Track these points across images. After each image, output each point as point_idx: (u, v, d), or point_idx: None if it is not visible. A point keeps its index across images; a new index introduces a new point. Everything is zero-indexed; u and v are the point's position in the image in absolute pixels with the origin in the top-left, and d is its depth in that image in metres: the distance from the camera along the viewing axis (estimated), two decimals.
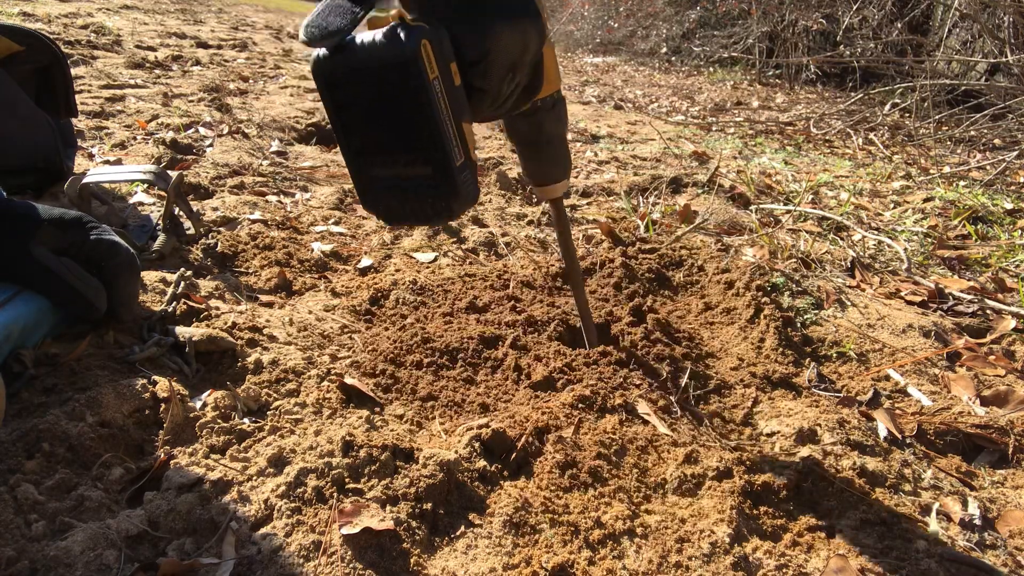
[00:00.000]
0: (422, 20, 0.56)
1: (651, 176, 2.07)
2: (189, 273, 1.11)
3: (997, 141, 3.21)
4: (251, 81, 3.25)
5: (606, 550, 0.69)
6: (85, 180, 1.22)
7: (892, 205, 2.07)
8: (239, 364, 0.93)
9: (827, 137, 3.31)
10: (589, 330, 1.03)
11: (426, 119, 0.55)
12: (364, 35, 0.54)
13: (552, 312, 1.13)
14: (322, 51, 0.56)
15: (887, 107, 3.76)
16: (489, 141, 2.58)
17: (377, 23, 0.56)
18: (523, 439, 0.82)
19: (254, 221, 1.46)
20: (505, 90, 0.63)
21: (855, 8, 4.02)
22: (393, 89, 0.54)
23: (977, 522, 0.78)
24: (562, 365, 0.98)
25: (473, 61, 0.58)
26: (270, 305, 1.15)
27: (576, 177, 2.15)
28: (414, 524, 0.69)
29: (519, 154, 0.83)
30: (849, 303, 1.29)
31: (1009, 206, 2.02)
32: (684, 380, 1.00)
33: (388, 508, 0.69)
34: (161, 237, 1.23)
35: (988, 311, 1.32)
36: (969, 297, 1.36)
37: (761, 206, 1.89)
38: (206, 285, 1.14)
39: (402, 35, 0.52)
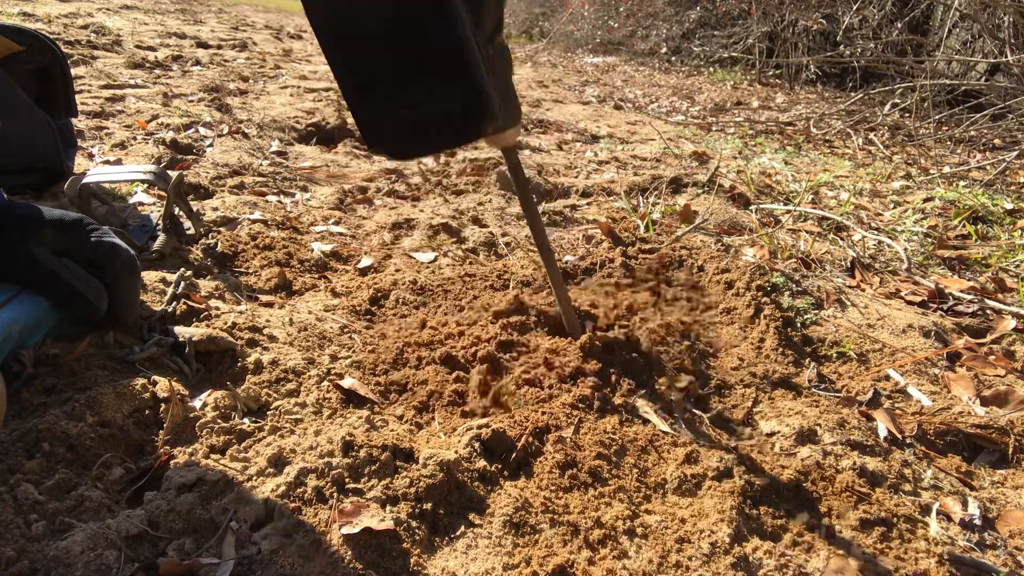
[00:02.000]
0: None
1: (651, 176, 2.07)
2: (189, 273, 1.11)
3: (997, 141, 3.21)
4: (251, 81, 3.25)
5: (606, 550, 0.69)
6: (85, 180, 1.21)
7: (892, 205, 2.06)
8: (239, 364, 0.93)
9: (827, 137, 3.31)
10: (564, 302, 1.02)
11: (454, 36, 0.52)
12: None
13: (552, 311, 1.13)
14: None
15: (887, 107, 3.76)
16: None
17: None
18: (523, 439, 0.82)
19: (254, 221, 1.46)
20: (489, 25, 0.63)
21: (855, 8, 4.02)
22: (414, 11, 0.52)
23: (977, 522, 0.78)
24: (563, 364, 0.98)
25: None
26: (270, 305, 1.15)
27: (576, 177, 2.15)
28: (414, 524, 0.69)
29: None
30: (849, 303, 1.29)
31: (1009, 206, 2.02)
32: (684, 380, 1.00)
33: (388, 508, 0.69)
34: (161, 237, 1.23)
35: (988, 311, 1.32)
36: (969, 297, 1.36)
37: (761, 206, 1.89)
38: (206, 285, 1.14)
39: None
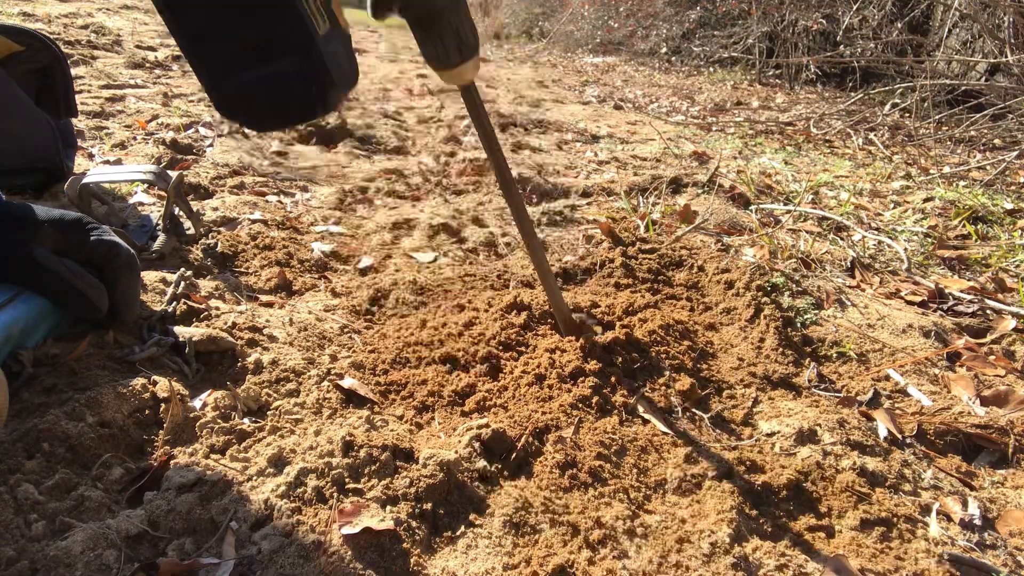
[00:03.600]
0: None
1: (651, 176, 2.07)
2: (189, 273, 1.11)
3: (997, 141, 3.21)
4: None
5: (606, 550, 0.69)
6: (85, 180, 1.21)
7: (892, 205, 2.06)
8: (239, 364, 0.93)
9: (827, 137, 3.31)
10: (549, 284, 0.95)
11: None
12: None
13: (552, 311, 1.13)
14: None
15: (887, 107, 3.76)
16: None
17: None
18: (523, 439, 0.82)
19: (254, 221, 1.46)
20: None
21: (855, 8, 4.02)
22: None
23: (977, 522, 0.78)
24: (562, 365, 0.98)
25: None
26: (270, 305, 1.15)
27: (576, 177, 2.15)
28: (414, 524, 0.69)
29: (415, 37, 0.68)
30: (849, 303, 1.29)
31: (1009, 206, 2.02)
32: (684, 380, 1.00)
33: (388, 508, 0.69)
34: (161, 237, 1.23)
35: (988, 311, 1.32)
36: (969, 297, 1.36)
37: (761, 206, 1.89)
38: (206, 285, 1.14)
39: None
